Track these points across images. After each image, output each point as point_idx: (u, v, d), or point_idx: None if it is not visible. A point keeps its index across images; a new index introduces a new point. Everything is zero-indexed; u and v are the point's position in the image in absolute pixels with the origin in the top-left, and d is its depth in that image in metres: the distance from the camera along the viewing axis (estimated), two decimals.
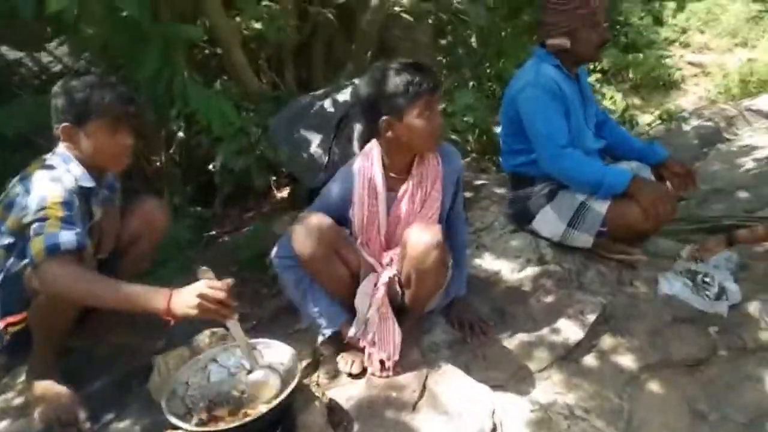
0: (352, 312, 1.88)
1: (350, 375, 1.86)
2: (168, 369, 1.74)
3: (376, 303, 1.81)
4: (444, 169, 1.89)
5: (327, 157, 2.76)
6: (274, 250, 1.88)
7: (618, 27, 5.44)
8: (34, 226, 1.54)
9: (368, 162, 1.85)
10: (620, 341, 2.04)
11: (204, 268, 1.55)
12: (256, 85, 3.08)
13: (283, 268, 1.86)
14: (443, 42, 4.01)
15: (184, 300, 1.47)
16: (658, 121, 4.23)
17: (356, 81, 2.91)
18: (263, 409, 1.50)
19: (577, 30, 2.24)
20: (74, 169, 1.73)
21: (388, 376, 1.80)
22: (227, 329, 1.66)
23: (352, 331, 1.83)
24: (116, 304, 1.55)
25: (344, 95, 2.83)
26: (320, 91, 2.98)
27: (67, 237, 1.53)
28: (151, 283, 2.03)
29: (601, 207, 2.22)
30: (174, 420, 1.47)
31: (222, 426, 1.49)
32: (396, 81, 1.70)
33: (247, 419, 1.48)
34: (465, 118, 2.79)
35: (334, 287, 1.86)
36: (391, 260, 1.89)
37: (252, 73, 3.08)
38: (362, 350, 1.87)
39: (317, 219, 1.76)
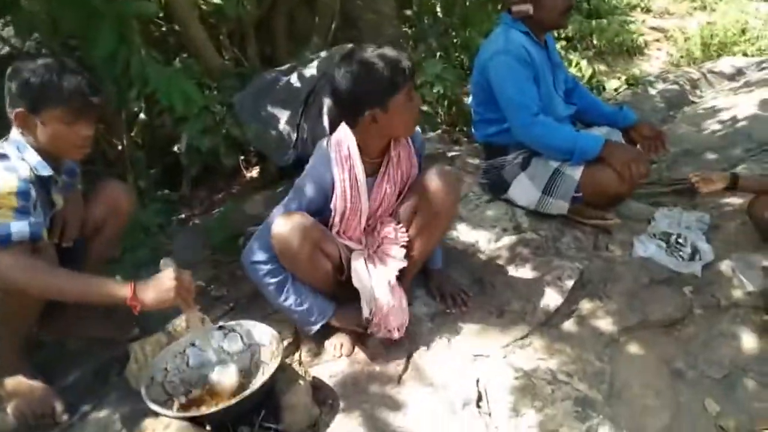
0: (333, 300, 1.85)
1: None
2: (145, 356, 1.70)
3: (389, 286, 1.77)
4: (413, 143, 1.88)
5: (296, 134, 2.70)
6: (247, 256, 1.79)
7: None
8: None
9: (345, 152, 1.77)
10: (598, 305, 2.06)
11: (165, 259, 1.52)
12: (218, 62, 2.98)
13: (262, 273, 1.77)
14: (408, 12, 3.94)
15: (154, 288, 1.44)
16: (625, 86, 4.26)
17: (322, 54, 2.85)
18: (246, 392, 1.47)
19: None
20: (30, 158, 1.63)
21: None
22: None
23: (366, 312, 1.77)
24: (77, 296, 1.49)
25: (311, 69, 2.76)
26: (285, 66, 2.90)
27: (18, 227, 1.45)
28: (121, 270, 1.98)
29: (574, 173, 2.23)
30: (155, 407, 1.43)
31: (204, 410, 1.46)
32: (377, 75, 1.65)
33: (231, 401, 1.45)
34: (434, 89, 2.75)
35: (320, 282, 1.81)
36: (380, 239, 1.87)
37: (213, 49, 2.98)
38: (348, 332, 1.86)
39: (299, 219, 1.69)
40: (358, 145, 1.77)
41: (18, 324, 1.62)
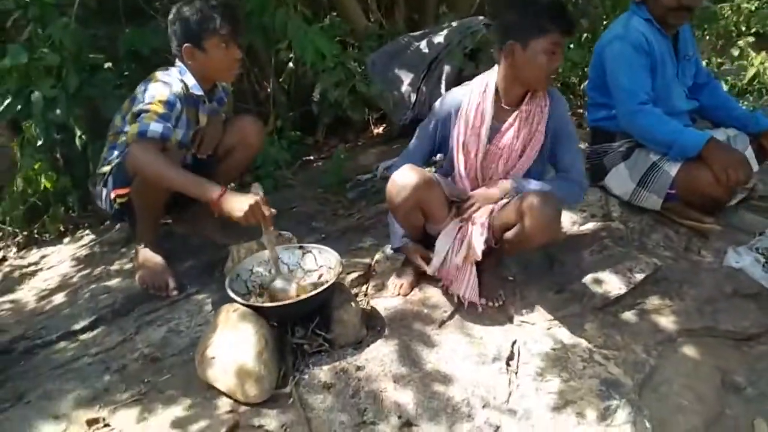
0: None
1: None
2: (240, 257, 2.05)
3: (463, 253, 1.87)
4: (551, 111, 1.90)
5: (415, 96, 2.90)
6: (387, 165, 2.09)
7: None
8: (139, 115, 1.88)
9: (482, 86, 1.87)
10: (667, 303, 2.03)
11: (256, 184, 1.81)
12: (362, 23, 3.25)
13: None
14: None
15: (236, 201, 1.73)
16: None
17: (454, 23, 2.99)
18: (302, 296, 1.75)
19: None
20: (188, 79, 2.05)
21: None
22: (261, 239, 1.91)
23: (431, 269, 1.94)
24: (177, 186, 1.82)
25: (439, 38, 2.92)
26: (419, 32, 3.09)
27: (155, 127, 1.85)
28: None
29: (671, 169, 2.17)
30: (232, 294, 1.76)
31: (267, 304, 1.77)
32: (534, 10, 1.73)
33: (286, 302, 1.75)
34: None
35: (408, 229, 1.99)
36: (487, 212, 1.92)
37: (360, 11, 3.25)
38: (415, 272, 2.05)
39: (413, 177, 1.80)
40: (497, 88, 1.87)
41: (150, 205, 2.06)
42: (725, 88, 3.74)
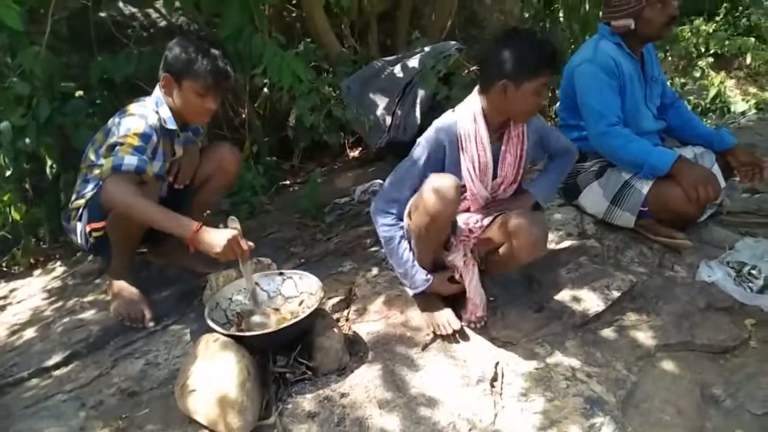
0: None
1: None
2: (218, 285, 2.02)
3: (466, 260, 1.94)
4: (528, 124, 1.99)
5: (390, 120, 2.93)
6: (376, 199, 1.99)
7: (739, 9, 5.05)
8: (112, 149, 1.85)
9: (470, 117, 1.90)
10: (644, 319, 2.06)
11: (233, 217, 1.81)
12: (336, 48, 3.29)
13: (380, 214, 1.95)
14: (526, 15, 3.99)
15: (213, 237, 1.71)
16: (754, 110, 3.96)
17: (427, 48, 3.04)
18: (284, 324, 1.73)
19: (643, 9, 2.22)
20: (163, 112, 2.03)
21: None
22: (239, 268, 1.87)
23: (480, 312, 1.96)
24: (153, 222, 1.80)
25: (414, 62, 2.97)
26: (392, 57, 3.13)
27: (130, 160, 1.83)
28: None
29: (643, 187, 2.23)
30: (212, 324, 1.73)
31: (247, 333, 1.74)
32: (530, 54, 1.79)
33: (268, 330, 1.73)
34: None
35: (428, 252, 1.97)
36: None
37: (334, 36, 3.29)
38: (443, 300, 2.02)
39: (453, 184, 1.78)
40: (484, 115, 1.90)
41: (125, 239, 2.03)
42: (689, 107, 3.87)
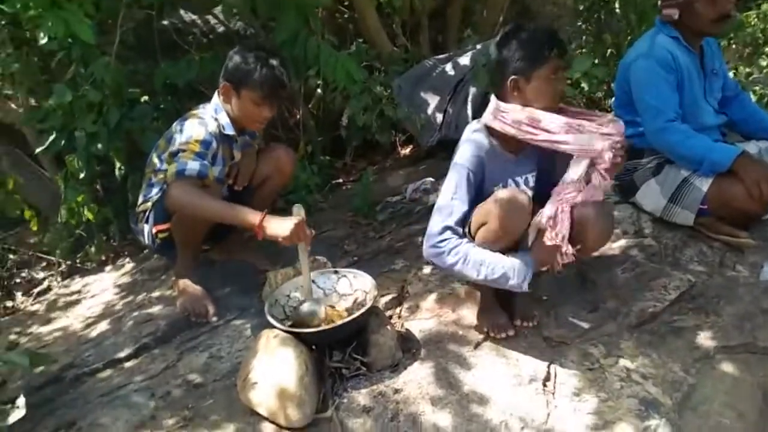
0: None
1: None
2: (277, 283, 2.11)
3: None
4: None
5: (442, 118, 2.95)
6: (427, 241, 1.81)
7: None
8: (176, 155, 1.96)
9: (500, 120, 1.84)
10: (703, 320, 2.01)
11: (298, 205, 1.88)
12: (388, 48, 3.33)
13: (442, 254, 1.78)
14: (581, 7, 3.91)
15: (279, 223, 1.80)
16: None
17: (478, 46, 3.04)
18: (339, 322, 1.79)
19: (692, 2, 2.15)
20: (222, 118, 2.13)
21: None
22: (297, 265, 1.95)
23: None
24: (219, 218, 1.91)
25: (465, 59, 2.97)
26: (444, 55, 3.14)
27: (193, 165, 1.93)
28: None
29: (702, 184, 2.17)
30: (271, 320, 1.82)
31: (305, 329, 1.81)
32: (528, 43, 1.79)
33: (325, 327, 1.79)
34: (581, 85, 2.79)
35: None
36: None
37: (385, 36, 3.33)
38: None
39: (525, 197, 1.76)
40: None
41: (189, 240, 2.14)
42: (753, 98, 3.70)
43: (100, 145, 2.57)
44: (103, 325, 2.33)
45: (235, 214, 1.87)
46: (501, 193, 1.77)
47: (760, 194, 2.02)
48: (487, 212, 1.79)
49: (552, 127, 1.78)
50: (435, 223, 1.81)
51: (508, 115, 1.83)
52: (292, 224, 1.79)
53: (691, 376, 1.83)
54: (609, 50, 3.43)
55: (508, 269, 1.77)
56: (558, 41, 1.81)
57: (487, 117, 1.90)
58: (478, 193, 1.88)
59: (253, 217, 1.83)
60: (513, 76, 1.81)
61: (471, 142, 1.89)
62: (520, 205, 1.75)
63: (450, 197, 1.83)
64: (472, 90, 2.85)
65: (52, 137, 2.58)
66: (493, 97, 1.91)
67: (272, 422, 1.68)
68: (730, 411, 1.73)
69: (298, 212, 1.87)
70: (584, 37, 4.11)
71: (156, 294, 2.47)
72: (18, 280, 2.99)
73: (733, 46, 4.72)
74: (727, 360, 1.88)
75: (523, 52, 1.79)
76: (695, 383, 1.81)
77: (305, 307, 1.92)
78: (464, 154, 1.87)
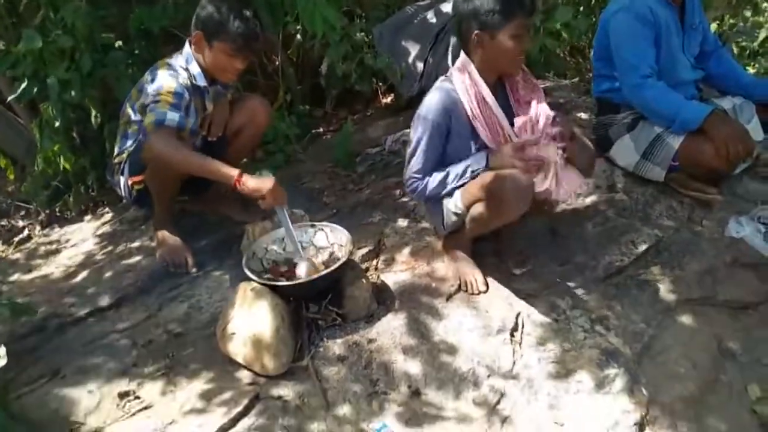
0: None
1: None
2: (255, 236, 2.13)
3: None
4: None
5: (422, 67, 2.91)
6: (408, 185, 1.95)
7: None
8: (150, 106, 1.94)
9: (465, 76, 1.85)
10: (667, 274, 2.09)
11: (265, 171, 1.93)
12: None
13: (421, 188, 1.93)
14: None
15: (258, 182, 1.84)
16: None
17: None
18: (315, 275, 1.84)
19: None
20: (193, 68, 2.09)
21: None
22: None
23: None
24: (199, 170, 1.93)
25: (447, 6, 2.91)
26: (425, 2, 3.07)
27: (172, 116, 1.93)
28: (259, 168, 2.36)
29: (674, 141, 2.20)
30: (248, 273, 1.86)
31: (281, 282, 1.86)
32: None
33: (301, 280, 1.84)
34: (562, 36, 2.75)
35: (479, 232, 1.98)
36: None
37: None
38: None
39: (528, 181, 1.74)
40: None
41: (165, 191, 2.15)
42: (735, 50, 3.69)
43: (73, 93, 2.51)
44: (84, 275, 2.35)
45: (216, 168, 1.88)
46: (505, 180, 1.73)
47: (727, 153, 2.06)
48: (485, 191, 1.78)
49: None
50: (405, 173, 1.96)
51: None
52: (271, 182, 1.82)
53: (651, 327, 1.92)
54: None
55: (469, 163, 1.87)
56: None
57: (454, 72, 1.89)
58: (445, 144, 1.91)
59: (232, 171, 1.85)
60: (477, 31, 1.78)
61: (439, 90, 1.89)
62: (524, 193, 1.73)
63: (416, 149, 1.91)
64: (453, 40, 2.80)
65: (23, 85, 2.51)
66: (462, 53, 1.89)
67: (250, 370, 1.75)
68: (686, 361, 1.83)
69: (267, 174, 1.90)
70: None
71: (136, 244, 2.49)
72: None
73: None
74: (688, 312, 1.98)
75: (490, 5, 1.75)
76: (655, 334, 1.91)
77: (302, 268, 1.94)
78: (431, 105, 1.88)
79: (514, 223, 1.94)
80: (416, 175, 1.92)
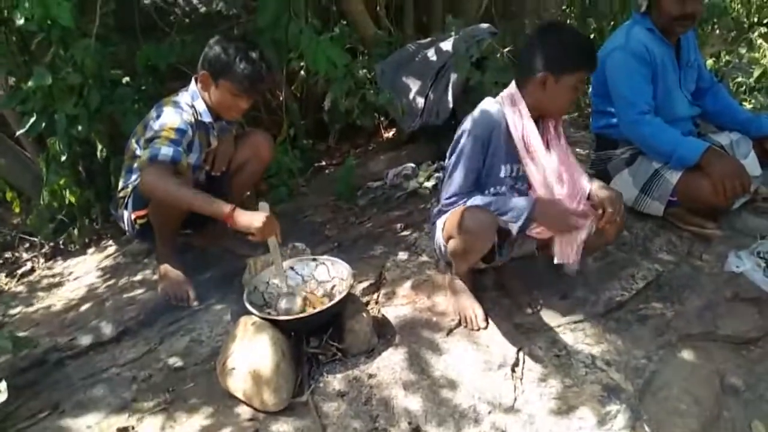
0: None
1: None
2: (257, 269, 2.15)
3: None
4: None
5: (423, 103, 2.97)
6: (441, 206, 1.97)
7: None
8: (150, 141, 1.98)
9: (516, 109, 1.86)
10: (668, 309, 2.09)
11: (263, 203, 1.92)
12: (371, 31, 3.32)
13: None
14: None
15: (249, 218, 1.85)
16: None
17: (460, 32, 3.05)
18: (316, 309, 1.85)
19: None
20: (198, 105, 2.15)
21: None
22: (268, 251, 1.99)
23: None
24: (190, 205, 1.93)
25: (447, 45, 2.98)
26: (426, 40, 3.15)
27: (166, 151, 1.96)
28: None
29: (672, 177, 2.23)
30: (249, 307, 1.86)
31: (282, 317, 1.87)
32: (573, 46, 1.80)
33: (302, 315, 1.85)
34: None
35: (465, 265, 2.01)
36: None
37: (369, 19, 3.31)
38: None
39: (490, 220, 1.78)
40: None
41: (167, 226, 2.17)
42: (732, 86, 3.75)
43: (80, 128, 2.56)
44: (86, 308, 2.36)
45: (207, 204, 1.89)
46: (466, 214, 1.79)
47: (724, 189, 2.09)
48: (453, 227, 1.84)
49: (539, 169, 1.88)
50: (442, 192, 1.97)
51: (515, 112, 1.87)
52: (263, 216, 1.83)
53: (653, 363, 1.91)
54: (592, 35, 3.44)
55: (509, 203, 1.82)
56: (595, 54, 1.85)
57: (505, 99, 1.91)
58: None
59: (223, 207, 1.86)
60: (545, 72, 1.81)
61: (489, 108, 1.92)
62: (485, 226, 1.78)
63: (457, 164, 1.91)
64: (453, 77, 2.86)
65: (32, 120, 2.57)
66: (513, 83, 1.91)
67: (249, 406, 1.74)
68: (688, 396, 1.82)
69: (264, 206, 1.91)
70: (568, 21, 4.12)
71: (138, 277, 2.51)
72: (1, 261, 3.01)
73: (717, 31, 4.76)
74: (689, 348, 1.97)
75: (562, 51, 1.80)
76: (657, 370, 1.89)
77: (282, 304, 1.96)
78: (477, 119, 1.90)
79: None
80: (458, 192, 1.89)
